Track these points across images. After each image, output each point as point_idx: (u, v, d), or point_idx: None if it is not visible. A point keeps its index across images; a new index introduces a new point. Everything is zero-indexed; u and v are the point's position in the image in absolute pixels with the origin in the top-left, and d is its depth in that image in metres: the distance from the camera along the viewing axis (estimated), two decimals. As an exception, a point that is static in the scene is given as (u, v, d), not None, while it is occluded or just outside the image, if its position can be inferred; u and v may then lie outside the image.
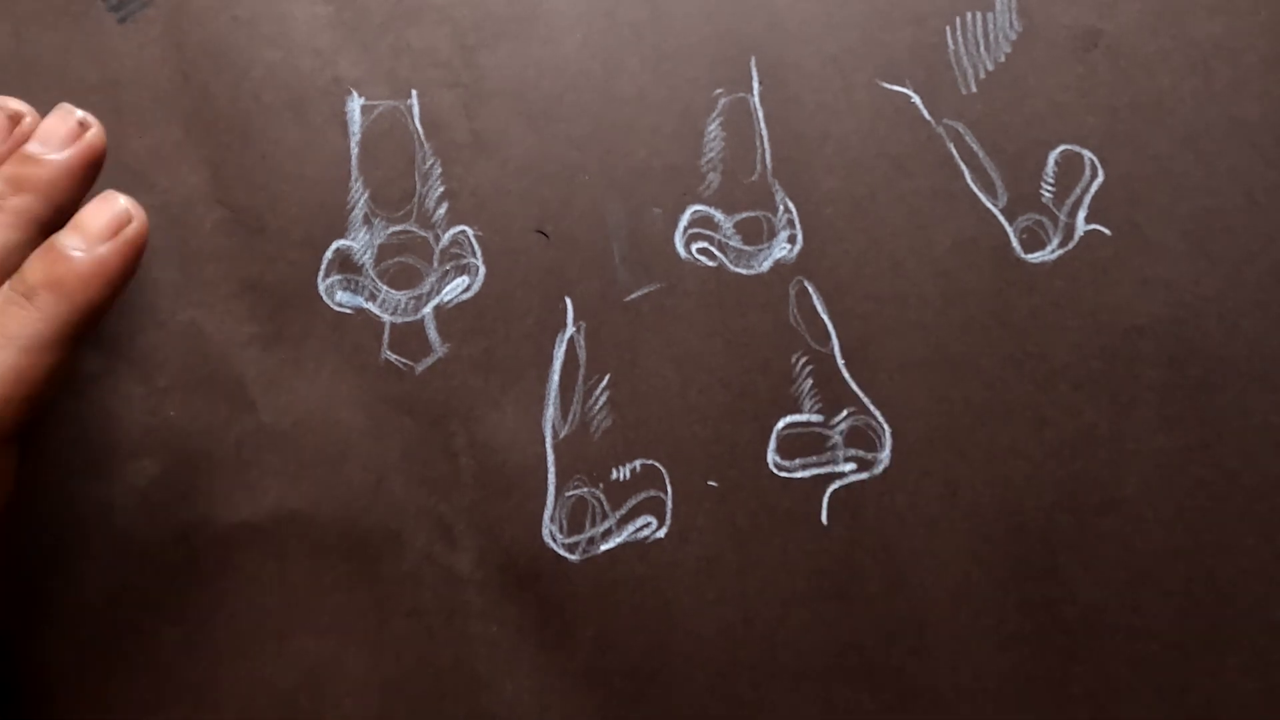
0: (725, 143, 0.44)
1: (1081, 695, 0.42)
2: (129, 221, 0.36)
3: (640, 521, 0.43)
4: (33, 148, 0.37)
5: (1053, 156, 0.43)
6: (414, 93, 0.43)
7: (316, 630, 0.42)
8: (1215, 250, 0.43)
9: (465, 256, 0.43)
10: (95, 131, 0.38)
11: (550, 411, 0.43)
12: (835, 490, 0.43)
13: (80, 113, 0.38)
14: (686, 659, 0.43)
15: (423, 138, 0.43)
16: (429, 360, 0.43)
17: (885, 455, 0.43)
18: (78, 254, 0.35)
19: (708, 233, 0.44)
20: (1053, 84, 0.43)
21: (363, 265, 0.43)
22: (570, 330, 0.43)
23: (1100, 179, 0.43)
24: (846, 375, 0.43)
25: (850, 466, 0.43)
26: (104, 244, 0.35)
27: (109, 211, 0.36)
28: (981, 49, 0.44)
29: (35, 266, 0.35)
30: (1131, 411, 0.43)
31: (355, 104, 0.43)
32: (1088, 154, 0.43)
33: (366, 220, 0.43)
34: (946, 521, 0.43)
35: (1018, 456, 0.43)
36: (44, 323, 0.34)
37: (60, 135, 0.37)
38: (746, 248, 0.44)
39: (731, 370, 0.43)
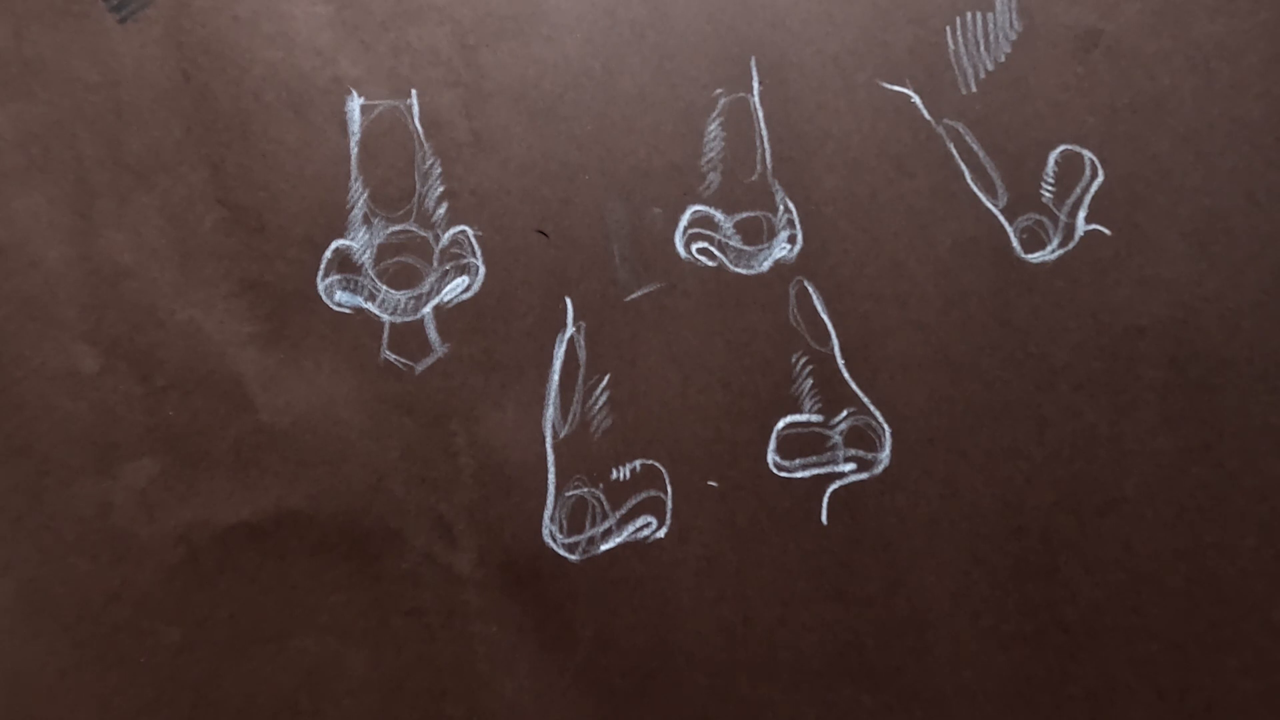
0: (725, 142, 0.44)
1: (1081, 695, 0.42)
2: None
3: (640, 521, 0.43)
4: None
5: (1053, 156, 0.43)
6: (414, 92, 0.43)
7: (316, 630, 0.42)
8: (1216, 250, 0.43)
9: (465, 256, 0.43)
10: None
11: (550, 411, 0.43)
12: (835, 490, 0.43)
13: None
14: (686, 659, 0.43)
15: (422, 137, 0.43)
16: (429, 360, 0.43)
17: (885, 455, 0.43)
18: None
19: (708, 233, 0.44)
20: (1053, 84, 0.43)
21: (362, 265, 0.43)
22: (570, 330, 0.43)
23: (1100, 179, 0.43)
24: (846, 375, 0.43)
25: (850, 466, 0.43)
26: None
27: None
28: (982, 49, 0.44)
29: None
30: (1132, 412, 0.43)
31: (355, 103, 0.43)
32: (1088, 154, 0.43)
33: (366, 220, 0.43)
34: (946, 521, 0.43)
35: (1018, 457, 0.43)
36: None
37: None
38: (746, 248, 0.44)
39: (732, 370, 0.43)
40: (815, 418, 0.43)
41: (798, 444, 0.43)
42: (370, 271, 0.43)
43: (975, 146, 0.43)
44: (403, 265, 0.43)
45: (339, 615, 0.43)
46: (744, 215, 0.44)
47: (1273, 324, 0.43)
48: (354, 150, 0.43)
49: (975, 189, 0.43)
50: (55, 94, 0.42)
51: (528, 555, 0.43)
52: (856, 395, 0.43)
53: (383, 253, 0.43)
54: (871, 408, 0.43)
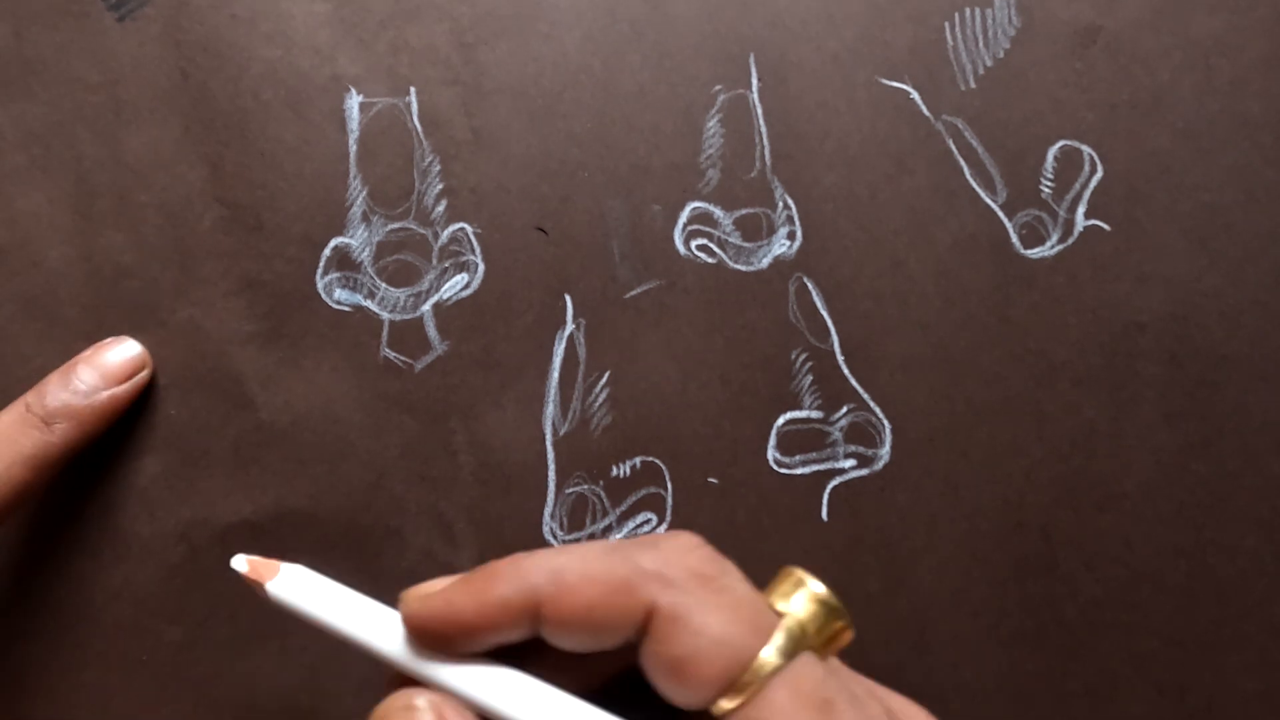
0: (725, 139, 0.44)
1: (1081, 693, 0.42)
2: (143, 368, 0.41)
3: (640, 518, 0.43)
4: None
5: (1052, 152, 0.43)
6: (413, 90, 0.43)
7: (317, 629, 0.42)
8: (1215, 246, 0.43)
9: (464, 254, 0.43)
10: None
11: (550, 409, 0.43)
12: (835, 487, 0.43)
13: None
14: (686, 657, 0.43)
15: (421, 135, 0.43)
16: (428, 358, 0.43)
17: (885, 452, 0.43)
18: (100, 395, 0.40)
19: (707, 229, 0.44)
20: (1052, 80, 0.43)
21: (361, 263, 0.43)
22: (570, 327, 0.43)
23: (1100, 174, 0.43)
24: (846, 371, 0.43)
25: (850, 463, 0.43)
26: (120, 385, 0.40)
27: (127, 357, 0.41)
28: (980, 45, 0.44)
29: (58, 396, 0.39)
30: (1132, 408, 0.43)
31: (354, 101, 0.43)
32: (1087, 149, 0.43)
33: (365, 218, 0.43)
34: (947, 519, 0.43)
35: (1018, 453, 0.43)
36: (57, 447, 0.38)
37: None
38: (746, 244, 0.44)
39: (731, 367, 0.43)
40: (815, 414, 0.43)
41: (798, 440, 0.43)
42: (369, 269, 0.43)
43: (974, 143, 0.43)
44: (402, 263, 0.43)
45: (339, 613, 0.42)
46: (743, 212, 0.44)
47: (1273, 321, 0.42)
48: (353, 148, 0.43)
49: (974, 185, 0.43)
50: (55, 94, 0.42)
51: (528, 553, 0.43)
52: (856, 391, 0.43)
53: (382, 250, 0.43)
54: (871, 404, 0.43)
